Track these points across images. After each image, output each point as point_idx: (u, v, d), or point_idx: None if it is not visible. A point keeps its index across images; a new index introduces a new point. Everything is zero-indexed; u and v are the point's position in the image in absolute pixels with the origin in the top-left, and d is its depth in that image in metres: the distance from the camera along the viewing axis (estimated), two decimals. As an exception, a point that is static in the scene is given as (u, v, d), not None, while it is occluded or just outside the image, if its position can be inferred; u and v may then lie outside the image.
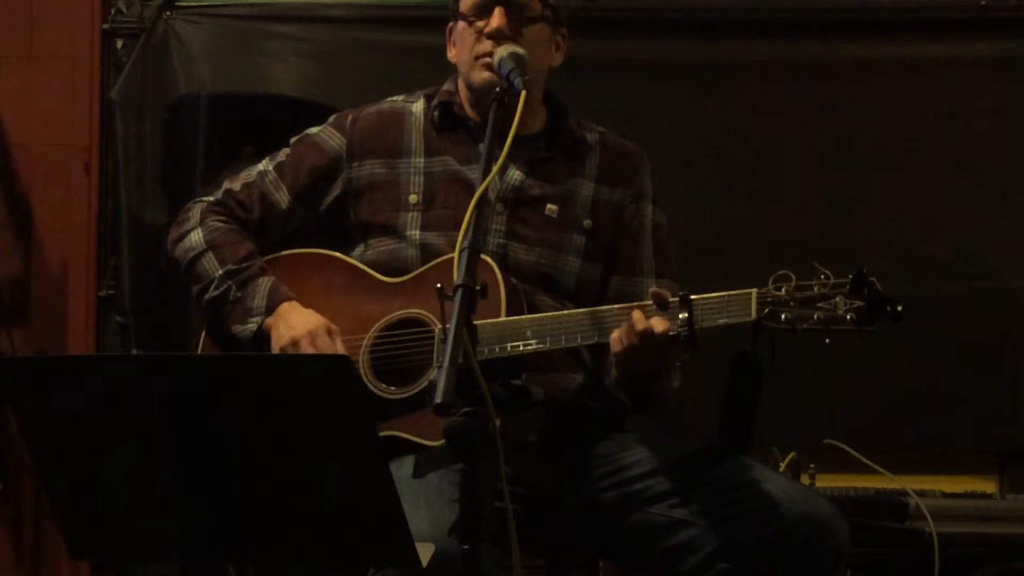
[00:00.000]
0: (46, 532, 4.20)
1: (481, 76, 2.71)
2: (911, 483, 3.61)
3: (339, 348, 2.69)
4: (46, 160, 4.25)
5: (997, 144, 4.04)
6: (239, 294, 2.77)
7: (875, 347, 3.70)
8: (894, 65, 4.07)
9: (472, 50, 2.75)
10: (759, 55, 4.06)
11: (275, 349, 2.70)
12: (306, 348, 2.67)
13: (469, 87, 2.79)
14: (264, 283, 2.77)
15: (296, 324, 2.71)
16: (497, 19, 2.72)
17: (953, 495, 3.64)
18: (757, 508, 2.54)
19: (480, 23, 2.75)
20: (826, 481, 3.65)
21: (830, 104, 4.07)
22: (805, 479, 3.61)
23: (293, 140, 2.93)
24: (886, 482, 3.63)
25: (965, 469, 3.85)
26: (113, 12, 4.20)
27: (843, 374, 3.88)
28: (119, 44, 4.20)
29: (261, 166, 2.92)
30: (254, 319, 2.75)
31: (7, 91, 4.22)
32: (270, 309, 2.74)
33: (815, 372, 3.78)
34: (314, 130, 2.92)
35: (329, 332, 2.70)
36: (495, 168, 2.33)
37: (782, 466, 3.60)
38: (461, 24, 2.79)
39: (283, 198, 2.87)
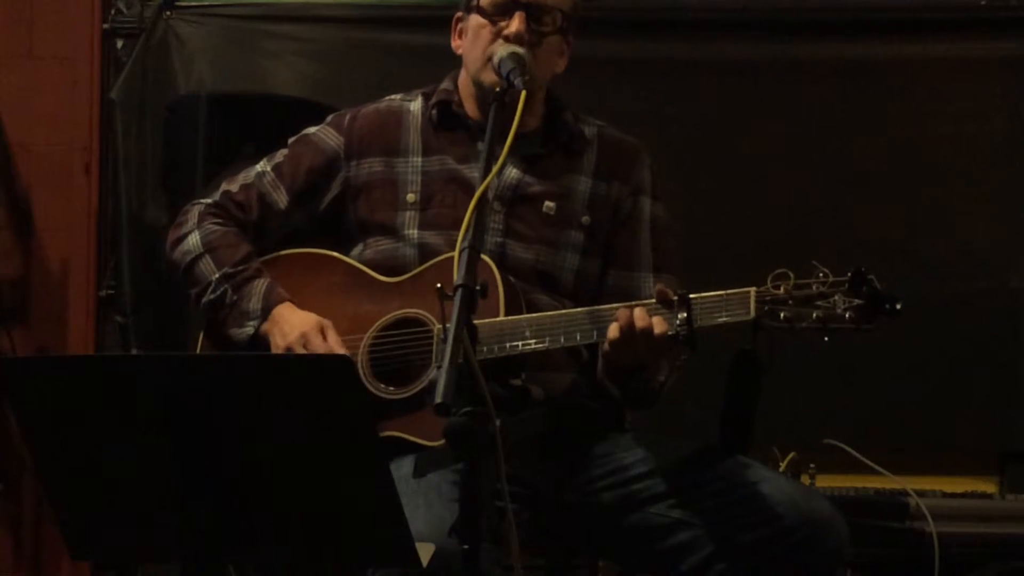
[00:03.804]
0: (46, 532, 4.20)
1: (491, 78, 2.67)
2: (911, 483, 3.61)
3: (333, 344, 2.68)
4: (46, 160, 4.25)
5: (997, 144, 4.03)
6: (235, 297, 2.77)
7: (875, 347, 3.72)
8: (894, 65, 4.06)
9: (486, 51, 2.72)
10: (759, 55, 4.06)
11: None
12: (300, 352, 2.67)
13: (477, 84, 2.78)
14: (260, 286, 2.77)
15: (288, 330, 2.70)
16: (517, 24, 2.70)
17: (953, 495, 3.64)
18: (757, 508, 2.54)
19: (500, 24, 2.73)
20: (826, 481, 3.65)
21: (830, 104, 4.06)
22: (805, 479, 3.61)
23: (291, 140, 2.93)
24: (886, 482, 3.63)
25: (965, 469, 3.85)
26: (113, 12, 4.20)
27: (843, 374, 3.88)
28: (119, 44, 4.20)
29: (259, 167, 2.91)
30: (250, 323, 2.75)
31: (7, 91, 4.22)
32: (265, 312, 2.74)
33: (815, 372, 3.78)
34: (312, 130, 2.92)
35: (322, 330, 2.70)
36: (495, 168, 2.33)
37: (782, 466, 3.61)
38: (477, 19, 2.76)
39: (281, 198, 2.87)
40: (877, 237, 3.96)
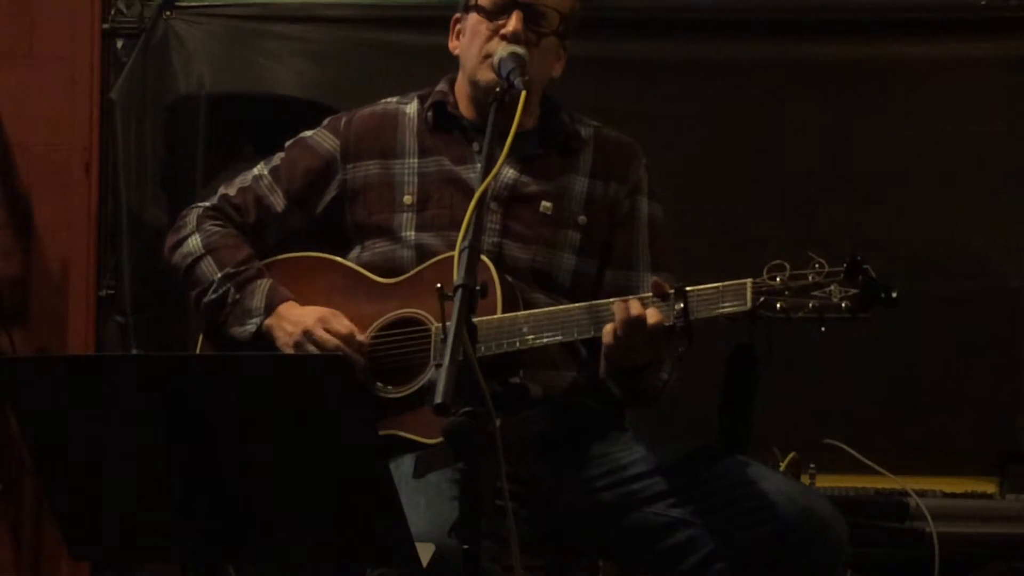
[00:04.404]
0: (46, 532, 4.20)
1: (487, 76, 2.69)
2: (911, 483, 3.60)
3: (349, 325, 2.68)
4: (46, 160, 4.25)
5: (997, 144, 4.04)
6: (237, 296, 2.77)
7: (875, 347, 3.72)
8: (894, 65, 4.07)
9: (483, 48, 2.73)
10: (759, 55, 4.06)
11: (286, 350, 2.69)
12: (321, 335, 2.67)
13: (472, 83, 2.78)
14: (263, 284, 2.77)
15: (299, 319, 2.71)
16: (515, 23, 2.71)
17: (953, 495, 3.64)
18: (756, 507, 2.54)
19: (498, 22, 2.74)
20: (826, 481, 3.65)
21: (830, 104, 4.07)
22: (805, 479, 3.61)
23: (288, 144, 2.93)
24: (886, 482, 3.63)
25: (965, 469, 3.84)
26: (113, 12, 4.21)
27: (843, 373, 3.88)
28: (119, 44, 4.21)
29: (256, 170, 2.92)
30: (253, 320, 2.75)
31: (7, 91, 4.23)
32: (269, 309, 2.74)
33: (815, 372, 3.78)
34: (308, 133, 2.92)
35: (334, 314, 2.70)
36: (495, 168, 2.33)
37: (782, 466, 3.60)
38: (475, 17, 2.77)
39: (279, 201, 2.87)
40: (877, 237, 3.96)
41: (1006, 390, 3.97)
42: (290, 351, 2.68)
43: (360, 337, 2.68)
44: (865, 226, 3.98)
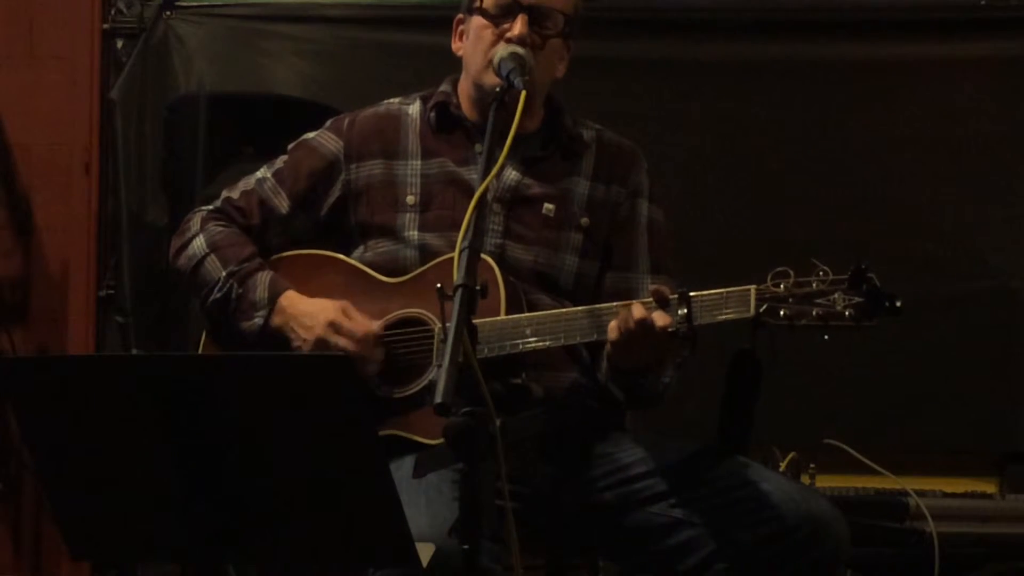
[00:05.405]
0: (46, 532, 4.20)
1: (493, 80, 2.68)
2: (911, 483, 3.61)
3: (361, 323, 2.68)
4: (46, 160, 4.25)
5: (997, 144, 4.04)
6: (241, 290, 2.77)
7: (875, 347, 3.73)
8: (894, 65, 4.07)
9: (487, 52, 2.73)
10: (759, 55, 4.06)
11: (305, 347, 2.69)
12: (336, 341, 2.67)
13: (477, 86, 2.78)
14: (263, 277, 2.78)
15: (311, 322, 2.70)
16: (520, 26, 2.71)
17: (953, 495, 3.64)
18: (756, 508, 2.54)
19: (503, 26, 2.74)
20: (826, 481, 3.66)
21: (830, 104, 4.07)
22: (805, 479, 3.61)
23: (290, 146, 2.93)
24: (886, 482, 3.63)
25: (965, 469, 3.85)
26: (113, 12, 4.21)
27: (843, 374, 3.88)
28: (119, 44, 4.21)
29: (259, 173, 2.92)
30: (259, 313, 2.75)
31: (7, 91, 4.23)
32: (272, 300, 2.74)
33: (816, 372, 3.78)
34: (311, 135, 2.92)
35: (345, 312, 2.70)
36: (495, 169, 2.33)
37: (782, 466, 3.61)
38: (479, 20, 2.77)
39: (283, 203, 2.87)
40: (877, 237, 3.96)
41: (1006, 390, 3.97)
42: (309, 347, 2.68)
43: (374, 326, 2.68)
44: (865, 226, 3.98)
